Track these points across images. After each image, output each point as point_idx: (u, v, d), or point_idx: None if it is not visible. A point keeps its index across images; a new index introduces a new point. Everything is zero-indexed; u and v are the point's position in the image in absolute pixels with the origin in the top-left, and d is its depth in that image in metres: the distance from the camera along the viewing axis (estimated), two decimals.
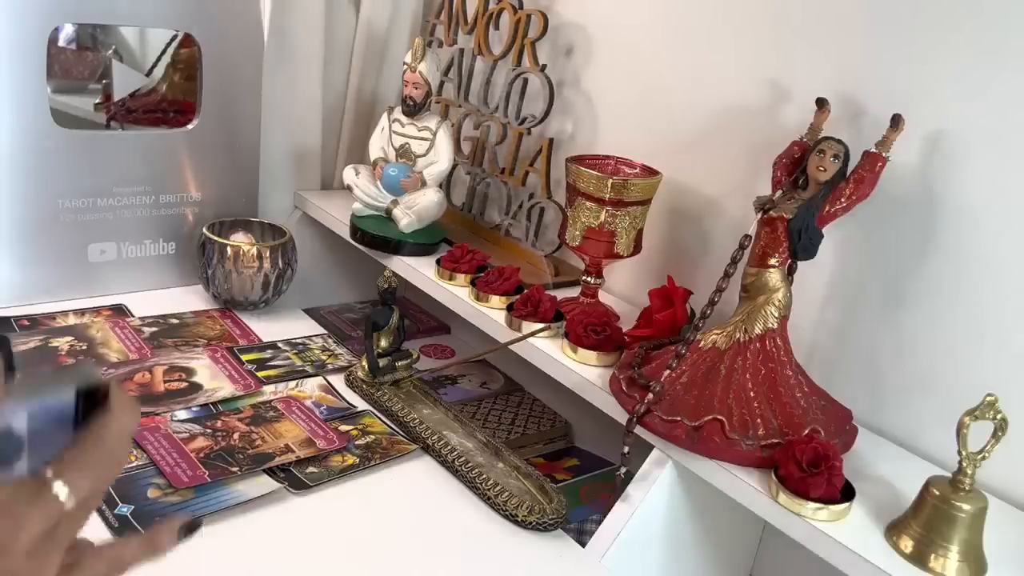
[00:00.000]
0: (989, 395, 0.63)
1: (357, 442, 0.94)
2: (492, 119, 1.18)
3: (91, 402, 0.38)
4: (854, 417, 0.82)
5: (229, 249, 1.17)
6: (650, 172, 0.97)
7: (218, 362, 1.07)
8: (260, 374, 1.06)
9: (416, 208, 1.14)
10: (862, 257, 0.87)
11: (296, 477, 0.86)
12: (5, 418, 0.35)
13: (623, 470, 0.81)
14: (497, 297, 1.01)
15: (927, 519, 0.66)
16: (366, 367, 1.05)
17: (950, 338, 0.80)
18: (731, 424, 0.75)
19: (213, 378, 1.03)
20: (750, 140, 0.95)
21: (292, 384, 1.06)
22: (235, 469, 0.85)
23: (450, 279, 1.06)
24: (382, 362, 1.04)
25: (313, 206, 1.30)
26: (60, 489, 0.35)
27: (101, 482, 0.38)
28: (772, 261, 0.78)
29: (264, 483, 0.84)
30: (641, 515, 0.80)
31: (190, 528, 0.45)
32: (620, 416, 0.82)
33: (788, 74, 0.91)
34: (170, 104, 1.32)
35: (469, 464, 0.91)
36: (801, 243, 0.76)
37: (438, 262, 1.08)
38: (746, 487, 0.73)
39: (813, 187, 0.76)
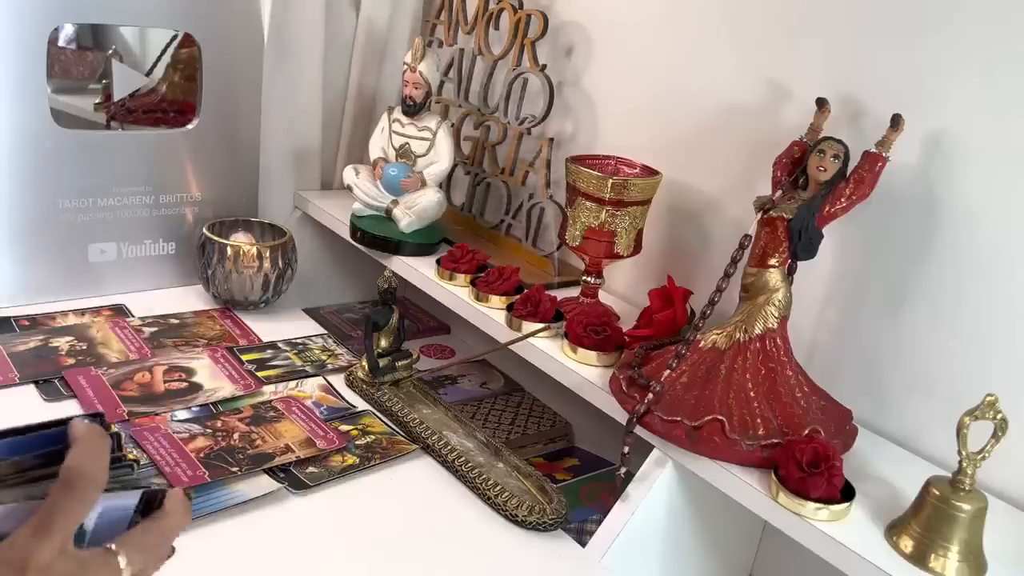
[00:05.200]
0: (989, 395, 0.63)
1: (357, 442, 0.94)
2: (492, 119, 1.18)
3: (149, 503, 0.48)
4: (854, 417, 0.82)
5: (229, 249, 1.17)
6: (650, 172, 0.97)
7: (218, 362, 1.07)
8: (260, 374, 1.06)
9: (416, 208, 1.14)
10: (862, 257, 0.87)
11: (296, 477, 0.86)
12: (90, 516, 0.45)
13: (623, 470, 0.81)
14: (497, 297, 1.01)
15: (927, 519, 0.66)
16: (366, 367, 1.05)
17: (950, 338, 0.80)
18: (731, 424, 0.75)
19: (213, 378, 1.03)
20: (750, 140, 0.94)
21: (292, 384, 1.06)
22: (235, 469, 0.85)
23: (450, 279, 1.06)
24: (382, 362, 1.04)
25: (313, 206, 1.30)
26: (122, 560, 0.45)
27: (149, 564, 0.47)
28: (772, 261, 0.78)
29: (264, 483, 0.84)
30: (641, 515, 0.80)
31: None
32: (620, 416, 0.82)
33: (788, 74, 0.91)
34: (170, 104, 1.32)
35: (469, 464, 0.91)
36: (801, 243, 0.76)
37: (438, 262, 1.08)
38: (746, 487, 0.73)
39: (813, 187, 0.76)
